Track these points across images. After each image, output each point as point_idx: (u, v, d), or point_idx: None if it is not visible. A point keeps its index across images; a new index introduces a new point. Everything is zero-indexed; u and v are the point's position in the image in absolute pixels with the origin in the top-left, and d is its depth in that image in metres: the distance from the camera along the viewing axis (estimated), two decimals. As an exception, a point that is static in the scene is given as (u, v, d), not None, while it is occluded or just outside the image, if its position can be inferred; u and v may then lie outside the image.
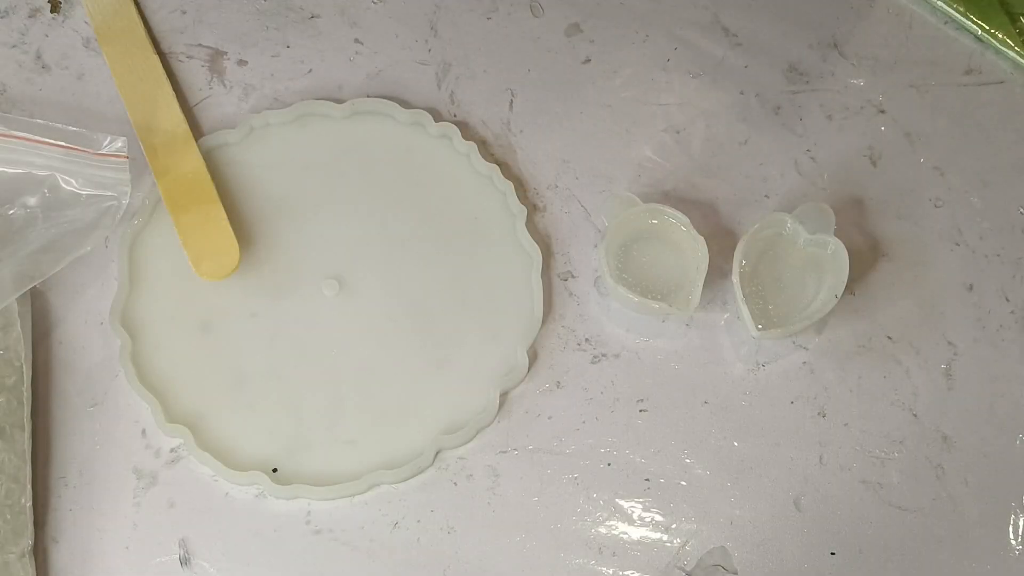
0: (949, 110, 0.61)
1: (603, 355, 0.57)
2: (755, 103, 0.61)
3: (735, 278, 0.55)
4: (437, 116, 0.60)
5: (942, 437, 0.56)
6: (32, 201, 0.57)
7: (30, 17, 0.62)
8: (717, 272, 0.57)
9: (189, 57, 0.62)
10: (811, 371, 0.57)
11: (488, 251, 0.58)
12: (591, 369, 0.57)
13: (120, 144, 0.57)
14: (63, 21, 0.62)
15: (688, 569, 0.54)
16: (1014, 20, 0.60)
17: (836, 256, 0.56)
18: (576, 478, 0.55)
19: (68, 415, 0.56)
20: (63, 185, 0.57)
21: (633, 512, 0.55)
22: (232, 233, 0.57)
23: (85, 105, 0.61)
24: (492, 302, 0.57)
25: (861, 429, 0.56)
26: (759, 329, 0.55)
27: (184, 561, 0.54)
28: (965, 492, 0.55)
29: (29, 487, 0.53)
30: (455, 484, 0.55)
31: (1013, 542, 0.54)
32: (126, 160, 0.57)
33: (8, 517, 0.52)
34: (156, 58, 0.61)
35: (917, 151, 0.60)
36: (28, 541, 0.53)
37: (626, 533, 0.54)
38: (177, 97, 0.60)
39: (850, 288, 0.57)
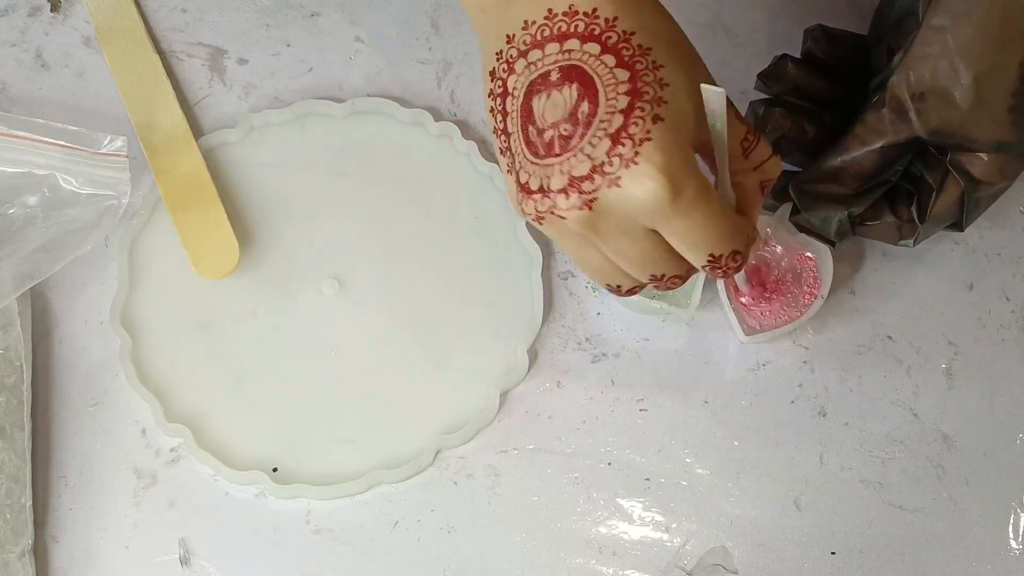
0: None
1: (603, 355, 0.57)
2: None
3: (721, 284, 0.55)
4: (437, 115, 0.60)
5: (942, 437, 0.56)
6: (32, 200, 0.57)
7: (30, 16, 0.62)
8: (717, 272, 0.57)
9: (189, 56, 0.62)
10: (811, 371, 0.57)
11: (488, 251, 0.58)
12: (591, 369, 0.57)
13: (120, 143, 0.57)
14: (63, 20, 0.62)
15: (688, 569, 0.54)
16: None
17: (822, 258, 0.56)
18: (576, 478, 0.55)
19: (68, 415, 0.56)
20: (63, 184, 0.57)
21: (633, 512, 0.55)
22: (232, 233, 0.57)
23: (85, 104, 0.60)
24: (492, 302, 0.57)
25: (861, 429, 0.56)
26: (747, 335, 0.55)
27: (184, 561, 0.54)
28: (965, 492, 0.55)
29: (29, 486, 0.53)
30: (455, 484, 0.55)
31: (1013, 542, 0.54)
32: (126, 159, 0.57)
33: (8, 516, 0.52)
34: (156, 57, 0.61)
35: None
36: (28, 540, 0.53)
37: (626, 533, 0.54)
38: (177, 96, 0.60)
39: (850, 288, 0.57)
